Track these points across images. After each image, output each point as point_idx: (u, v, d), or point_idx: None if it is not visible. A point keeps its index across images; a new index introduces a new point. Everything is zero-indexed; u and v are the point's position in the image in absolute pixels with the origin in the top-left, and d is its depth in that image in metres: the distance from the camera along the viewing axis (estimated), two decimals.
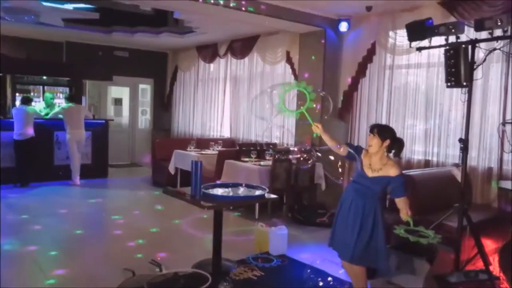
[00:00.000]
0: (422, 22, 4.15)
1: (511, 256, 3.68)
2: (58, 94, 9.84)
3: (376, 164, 3.25)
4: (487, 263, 3.68)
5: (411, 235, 2.98)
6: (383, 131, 3.25)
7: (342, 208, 3.40)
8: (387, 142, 3.22)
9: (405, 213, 3.12)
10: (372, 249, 3.26)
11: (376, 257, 3.28)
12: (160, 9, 8.12)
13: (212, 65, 9.96)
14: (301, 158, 4.58)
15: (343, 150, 3.42)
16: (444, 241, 4.00)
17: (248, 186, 4.20)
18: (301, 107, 3.34)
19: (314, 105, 3.37)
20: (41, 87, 9.79)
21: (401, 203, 3.22)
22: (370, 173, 3.26)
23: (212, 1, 5.72)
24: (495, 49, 3.90)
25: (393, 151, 3.27)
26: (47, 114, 8.27)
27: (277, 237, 4.58)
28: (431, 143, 5.89)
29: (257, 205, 6.03)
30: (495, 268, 3.84)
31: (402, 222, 3.29)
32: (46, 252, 4.47)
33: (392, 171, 3.21)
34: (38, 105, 8.89)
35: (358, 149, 3.41)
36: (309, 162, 3.66)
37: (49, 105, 8.79)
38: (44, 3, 7.18)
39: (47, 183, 7.83)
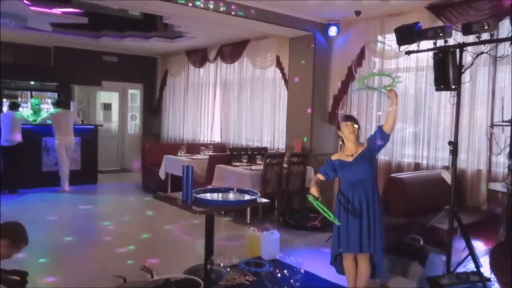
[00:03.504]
0: (410, 26, 4.20)
1: (502, 257, 3.71)
2: (46, 99, 9.72)
3: (352, 150, 3.45)
4: (478, 265, 3.71)
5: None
6: (357, 121, 3.54)
7: (341, 208, 3.43)
8: (360, 130, 3.56)
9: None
10: (376, 237, 3.37)
11: (376, 244, 3.37)
12: (149, 14, 8.10)
13: (202, 69, 9.93)
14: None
15: (323, 178, 3.56)
16: (436, 243, 4.04)
17: (239, 190, 4.19)
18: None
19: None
20: (28, 92, 9.67)
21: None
22: (350, 159, 3.42)
23: (201, 6, 5.71)
24: (482, 52, 3.96)
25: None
26: (35, 120, 8.17)
27: (269, 242, 4.57)
28: (420, 146, 5.93)
29: (248, 209, 6.01)
30: (486, 270, 3.87)
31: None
32: (35, 259, 4.40)
33: (364, 145, 3.47)
34: (25, 111, 8.78)
35: (329, 162, 3.55)
36: None
37: (36, 111, 8.68)
38: (32, 8, 7.12)
39: (35, 189, 7.73)
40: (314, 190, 3.26)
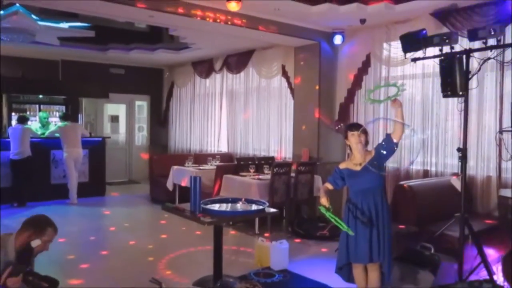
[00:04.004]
0: (416, 33, 4.20)
1: None
2: (54, 113, 9.81)
3: (360, 158, 3.41)
4: (490, 272, 3.66)
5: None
6: (365, 129, 3.46)
7: (351, 217, 3.38)
8: (368, 137, 3.48)
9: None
10: (385, 245, 3.33)
11: (385, 253, 3.33)
12: (155, 26, 8.18)
13: (208, 80, 9.98)
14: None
15: (332, 188, 3.53)
16: (447, 251, 3.99)
17: (247, 200, 4.18)
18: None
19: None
20: (37, 106, 9.76)
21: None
22: (358, 168, 3.39)
23: (207, 17, 5.76)
24: (489, 58, 3.94)
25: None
26: (43, 134, 8.24)
27: (278, 252, 4.54)
28: (429, 153, 5.90)
29: (256, 219, 5.98)
30: (499, 277, 3.82)
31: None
32: (43, 272, 4.39)
33: (372, 152, 3.43)
34: (34, 124, 8.86)
35: (337, 171, 3.51)
36: None
37: (44, 124, 8.76)
38: (40, 23, 7.22)
39: (44, 202, 7.74)
40: (324, 200, 3.24)
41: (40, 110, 9.54)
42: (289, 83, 7.68)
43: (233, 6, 5.33)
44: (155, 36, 9.29)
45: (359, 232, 3.33)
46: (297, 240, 5.67)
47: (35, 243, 2.69)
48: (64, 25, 7.80)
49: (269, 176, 6.10)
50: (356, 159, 3.44)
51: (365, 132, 3.43)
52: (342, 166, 3.52)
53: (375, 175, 3.35)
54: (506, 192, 4.42)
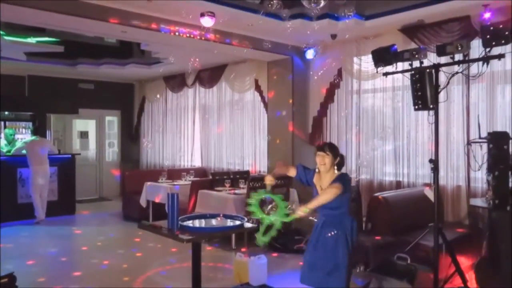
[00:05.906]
0: (387, 48, 4.32)
1: (486, 272, 3.76)
2: (21, 129, 9.49)
3: (327, 181, 3.22)
4: (464, 280, 3.75)
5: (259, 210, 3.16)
6: (334, 149, 3.26)
7: (311, 238, 3.37)
8: (337, 159, 3.23)
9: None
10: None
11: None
12: (126, 41, 8.10)
13: (180, 94, 9.92)
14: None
15: (292, 171, 3.44)
16: (422, 261, 4.07)
17: (225, 216, 4.14)
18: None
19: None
20: (2, 122, 9.43)
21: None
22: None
23: (181, 33, 5.76)
24: (457, 72, 4.10)
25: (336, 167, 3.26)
26: (9, 151, 7.94)
27: (256, 267, 4.50)
28: (401, 164, 6.04)
29: (233, 235, 5.93)
30: (472, 284, 3.92)
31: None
32: None
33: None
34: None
35: (312, 173, 3.34)
36: None
37: (10, 141, 8.46)
38: (6, 37, 7.03)
39: (10, 223, 7.43)
40: (269, 178, 3.30)
41: (5, 127, 9.20)
42: (262, 97, 7.73)
43: (207, 22, 5.35)
44: (126, 51, 9.19)
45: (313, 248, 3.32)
46: (275, 254, 5.66)
47: None
48: (31, 40, 7.61)
49: (245, 191, 6.08)
50: (323, 180, 3.26)
51: (331, 153, 3.21)
52: (315, 179, 3.32)
53: (336, 203, 3.11)
54: (476, 202, 4.57)
